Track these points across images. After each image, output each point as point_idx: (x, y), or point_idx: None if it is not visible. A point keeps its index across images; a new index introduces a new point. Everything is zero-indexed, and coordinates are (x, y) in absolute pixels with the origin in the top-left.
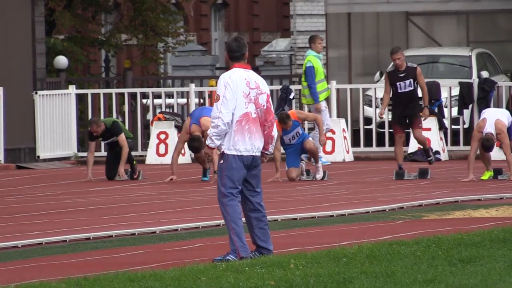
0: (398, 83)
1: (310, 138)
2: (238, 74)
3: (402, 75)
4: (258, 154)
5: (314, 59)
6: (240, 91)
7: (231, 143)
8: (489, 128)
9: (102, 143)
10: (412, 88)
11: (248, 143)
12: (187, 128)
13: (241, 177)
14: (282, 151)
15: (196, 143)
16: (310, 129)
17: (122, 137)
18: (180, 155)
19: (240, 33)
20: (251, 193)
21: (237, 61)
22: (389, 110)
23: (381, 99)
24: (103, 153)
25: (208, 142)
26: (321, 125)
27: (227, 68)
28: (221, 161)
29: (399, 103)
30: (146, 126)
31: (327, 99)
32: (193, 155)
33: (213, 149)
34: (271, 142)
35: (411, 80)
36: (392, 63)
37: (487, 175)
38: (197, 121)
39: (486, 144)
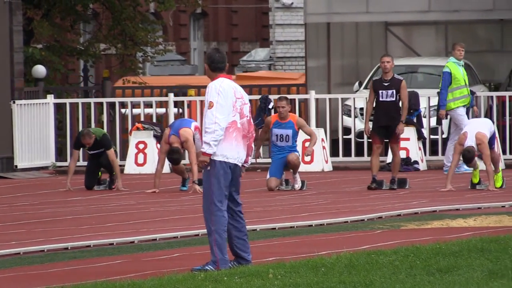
0: (380, 91)
1: (297, 153)
2: (227, 83)
3: (386, 84)
4: (240, 164)
5: (452, 65)
6: (230, 99)
7: (218, 149)
8: (470, 142)
9: (81, 153)
10: (393, 99)
11: (234, 151)
12: (166, 139)
13: (228, 183)
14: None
15: (175, 155)
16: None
17: (112, 152)
18: None
19: (219, 42)
20: (232, 203)
21: (220, 71)
22: (370, 120)
23: (361, 108)
24: (81, 162)
25: (205, 148)
26: (314, 139)
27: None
28: (208, 168)
29: (380, 112)
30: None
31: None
32: (171, 165)
33: (210, 155)
34: (250, 153)
35: (394, 91)
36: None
37: (476, 175)
38: (177, 132)
39: (467, 156)
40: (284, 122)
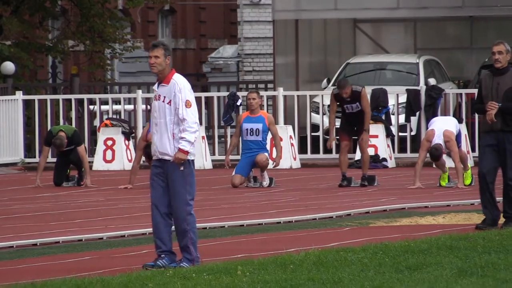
0: (345, 106)
1: (266, 154)
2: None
3: (348, 99)
4: None
5: None
6: None
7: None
8: (438, 140)
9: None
10: (360, 109)
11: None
12: (144, 136)
13: None
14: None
15: (149, 149)
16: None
17: (82, 148)
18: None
19: (187, 39)
20: None
21: None
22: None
23: (329, 105)
24: (50, 159)
25: (187, 147)
26: (279, 145)
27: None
28: (182, 168)
29: (347, 120)
30: (93, 132)
31: (274, 105)
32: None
33: (188, 153)
34: None
35: (358, 103)
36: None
37: (445, 178)
38: None
39: (435, 153)
40: (254, 117)
